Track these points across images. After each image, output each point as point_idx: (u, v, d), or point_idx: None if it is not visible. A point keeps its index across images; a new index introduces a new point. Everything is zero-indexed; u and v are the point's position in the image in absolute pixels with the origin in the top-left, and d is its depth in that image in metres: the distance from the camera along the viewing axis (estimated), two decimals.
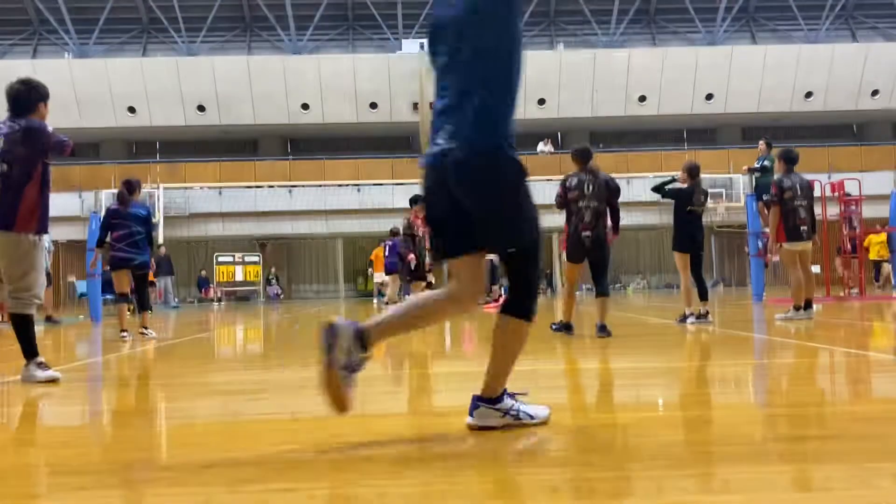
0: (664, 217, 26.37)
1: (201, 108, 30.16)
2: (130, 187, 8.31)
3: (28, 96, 4.61)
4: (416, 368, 5.15)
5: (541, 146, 29.08)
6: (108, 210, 8.37)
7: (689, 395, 3.67)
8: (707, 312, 8.04)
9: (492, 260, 14.09)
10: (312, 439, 2.68)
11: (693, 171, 8.29)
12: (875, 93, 30.64)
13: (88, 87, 29.35)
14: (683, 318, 7.99)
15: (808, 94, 30.67)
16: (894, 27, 33.14)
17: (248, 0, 31.92)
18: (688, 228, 8.12)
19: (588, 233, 6.56)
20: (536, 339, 6.66)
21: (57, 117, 24.09)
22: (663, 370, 4.66)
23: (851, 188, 14.07)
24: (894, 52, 30.28)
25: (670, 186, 8.56)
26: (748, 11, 33.00)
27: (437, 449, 2.46)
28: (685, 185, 8.30)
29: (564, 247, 6.84)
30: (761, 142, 12.78)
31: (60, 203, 25.49)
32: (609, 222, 6.81)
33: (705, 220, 26.33)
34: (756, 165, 12.62)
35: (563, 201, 6.76)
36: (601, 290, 6.81)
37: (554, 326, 6.98)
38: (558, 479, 2.06)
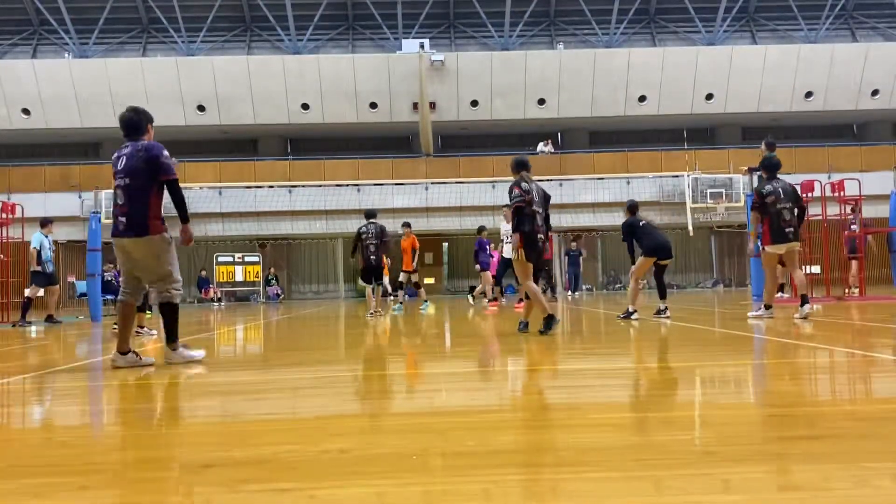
0: (664, 217, 26.39)
1: (201, 108, 30.16)
2: None
3: (137, 122, 5.48)
4: (415, 369, 5.15)
5: (541, 146, 29.08)
6: None
7: (688, 395, 3.67)
8: (665, 308, 9.27)
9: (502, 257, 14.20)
10: (312, 439, 2.68)
11: (633, 209, 9.46)
12: (875, 93, 30.65)
13: (88, 87, 29.35)
14: (628, 315, 9.08)
15: (808, 94, 30.68)
16: (894, 27, 33.15)
17: (248, 0, 31.93)
18: (648, 240, 9.20)
19: (542, 235, 7.08)
20: (531, 341, 6.66)
21: (57, 117, 24.37)
22: (661, 369, 4.66)
23: (851, 188, 14.08)
24: (894, 52, 30.29)
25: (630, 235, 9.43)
26: (748, 11, 33.01)
27: (438, 449, 2.46)
28: (626, 218, 9.44)
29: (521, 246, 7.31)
30: (763, 142, 12.81)
31: (60, 203, 25.56)
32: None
33: (706, 219, 26.48)
34: (756, 165, 12.62)
35: (523, 203, 7.00)
36: (547, 289, 7.46)
37: (541, 331, 6.97)
38: (558, 479, 2.07)
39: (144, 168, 5.27)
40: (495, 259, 17.51)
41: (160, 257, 5.35)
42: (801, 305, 8.37)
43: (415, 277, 14.80)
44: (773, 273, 8.90)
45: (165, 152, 5.38)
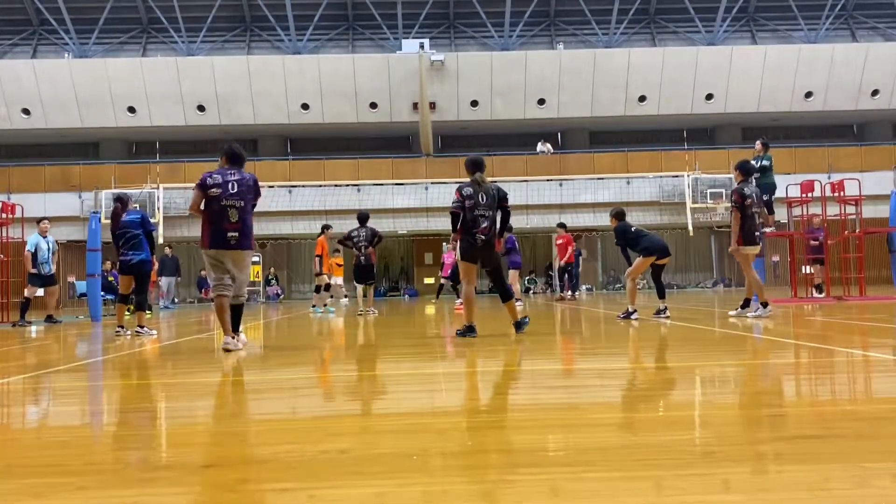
0: (664, 216, 26.41)
1: (201, 108, 30.16)
2: (123, 203, 9.27)
3: (243, 156, 6.88)
4: (414, 368, 5.15)
5: (540, 146, 29.10)
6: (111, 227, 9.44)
7: (688, 395, 3.67)
8: (665, 308, 9.32)
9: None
10: (312, 439, 2.68)
11: (620, 216, 9.58)
12: (875, 93, 30.66)
13: (88, 87, 29.35)
14: (627, 314, 9.09)
15: (808, 94, 30.68)
16: (894, 27, 33.15)
17: (248, 0, 31.93)
18: (644, 241, 9.29)
19: (482, 236, 7.07)
20: (529, 342, 6.66)
21: (57, 117, 24.35)
22: (661, 369, 4.66)
23: (851, 188, 14.08)
24: (894, 52, 30.30)
25: (628, 245, 9.51)
26: (748, 11, 33.02)
27: (437, 449, 2.46)
28: (615, 225, 9.50)
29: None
30: (758, 142, 12.94)
31: (60, 203, 25.57)
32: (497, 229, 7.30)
33: (706, 219, 26.61)
34: (755, 165, 12.63)
35: (461, 208, 7.07)
36: (506, 296, 7.39)
37: (458, 332, 7.12)
38: (558, 479, 2.06)
39: (254, 193, 6.66)
40: (450, 261, 17.65)
41: (249, 266, 6.83)
42: (743, 307, 9.06)
43: (318, 281, 14.87)
44: (752, 271, 9.22)
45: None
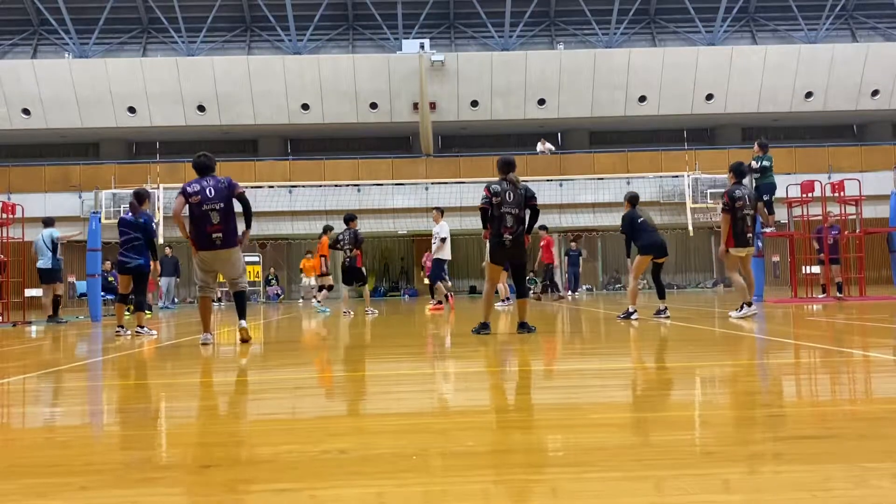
0: (664, 216, 26.39)
1: (201, 108, 30.15)
2: (139, 198, 9.24)
3: (210, 164, 7.25)
4: (413, 369, 5.15)
5: (540, 145, 29.09)
6: (119, 220, 9.48)
7: (688, 395, 3.67)
8: (665, 308, 9.37)
9: (439, 259, 14.20)
10: (312, 439, 2.68)
11: (633, 201, 9.65)
12: (875, 93, 30.64)
13: (88, 87, 29.33)
14: (628, 314, 9.13)
15: (808, 94, 30.67)
16: (894, 27, 33.14)
17: (248, 0, 31.92)
18: (644, 238, 9.31)
19: (509, 235, 7.19)
20: (529, 342, 6.66)
21: (57, 117, 24.36)
22: (661, 370, 4.67)
23: (851, 188, 14.08)
24: (894, 52, 30.28)
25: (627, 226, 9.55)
26: (748, 11, 33.00)
27: (437, 449, 2.46)
28: (626, 210, 9.60)
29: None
30: (756, 143, 13.01)
31: (60, 203, 25.56)
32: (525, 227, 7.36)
33: (706, 219, 26.58)
34: (755, 165, 12.64)
35: (489, 204, 7.22)
36: (521, 293, 7.55)
37: (474, 330, 7.31)
38: (558, 479, 2.07)
39: (229, 195, 7.09)
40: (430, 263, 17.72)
41: (240, 260, 7.34)
42: (742, 308, 9.02)
43: (321, 281, 15.43)
44: (736, 274, 9.36)
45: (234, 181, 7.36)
